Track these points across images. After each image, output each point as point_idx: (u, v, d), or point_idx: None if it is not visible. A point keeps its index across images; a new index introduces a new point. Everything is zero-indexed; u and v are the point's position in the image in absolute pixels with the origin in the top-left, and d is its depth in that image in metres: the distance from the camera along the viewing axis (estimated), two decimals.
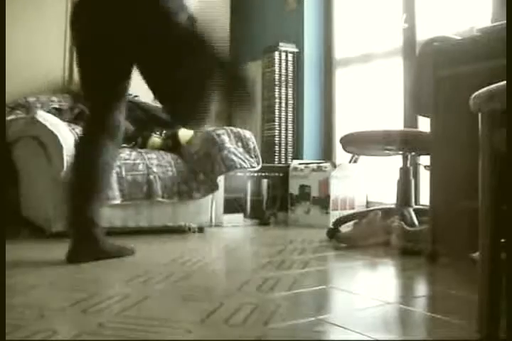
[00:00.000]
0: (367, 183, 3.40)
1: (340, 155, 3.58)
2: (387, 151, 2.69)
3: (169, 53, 1.87)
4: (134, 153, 2.81)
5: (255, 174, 3.39)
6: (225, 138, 2.99)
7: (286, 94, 3.79)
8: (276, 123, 3.75)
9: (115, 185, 2.63)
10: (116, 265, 1.95)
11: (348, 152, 2.89)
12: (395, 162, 2.76)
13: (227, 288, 1.59)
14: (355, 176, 3.34)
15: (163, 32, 1.85)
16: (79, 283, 1.64)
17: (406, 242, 2.26)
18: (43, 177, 2.64)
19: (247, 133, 3.10)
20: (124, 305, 1.35)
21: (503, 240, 1.08)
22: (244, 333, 1.15)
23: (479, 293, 1.08)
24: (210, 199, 2.99)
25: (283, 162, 3.72)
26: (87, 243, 1.96)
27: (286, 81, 3.80)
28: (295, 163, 3.56)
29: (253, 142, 3.08)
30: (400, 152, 2.63)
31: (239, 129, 3.11)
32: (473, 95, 1.11)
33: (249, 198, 3.46)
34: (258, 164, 3.05)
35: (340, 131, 3.64)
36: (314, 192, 3.32)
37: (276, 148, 3.75)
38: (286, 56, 3.80)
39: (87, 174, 2.00)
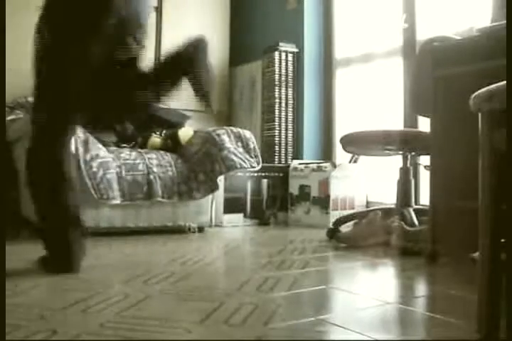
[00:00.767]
0: (367, 183, 3.40)
1: (340, 155, 3.57)
2: (387, 151, 2.69)
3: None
4: (134, 153, 2.81)
5: (255, 174, 3.39)
6: (225, 138, 2.99)
7: (286, 94, 3.79)
8: (276, 123, 3.75)
9: (115, 185, 2.63)
10: (117, 265, 1.95)
11: (348, 152, 2.89)
12: (395, 162, 2.76)
13: (227, 288, 1.59)
14: (355, 176, 3.34)
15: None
16: (79, 283, 1.64)
17: (406, 242, 2.26)
18: None
19: (247, 133, 3.10)
20: (124, 305, 1.35)
21: (503, 240, 1.08)
22: (244, 333, 1.15)
23: (479, 293, 1.08)
24: (210, 199, 2.99)
25: (283, 162, 3.72)
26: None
27: (286, 81, 3.80)
28: (295, 163, 3.56)
29: (253, 142, 3.08)
30: (400, 152, 2.63)
31: (239, 129, 3.12)
32: (473, 95, 1.11)
33: (249, 198, 3.46)
34: (258, 164, 3.05)
35: (340, 131, 3.64)
36: (314, 192, 3.32)
37: (276, 148, 3.75)
38: (286, 56, 3.80)
39: None
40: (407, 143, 2.50)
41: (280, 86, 3.77)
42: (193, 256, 2.14)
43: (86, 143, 2.62)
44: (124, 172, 2.68)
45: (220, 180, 3.03)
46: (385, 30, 3.45)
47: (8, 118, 3.03)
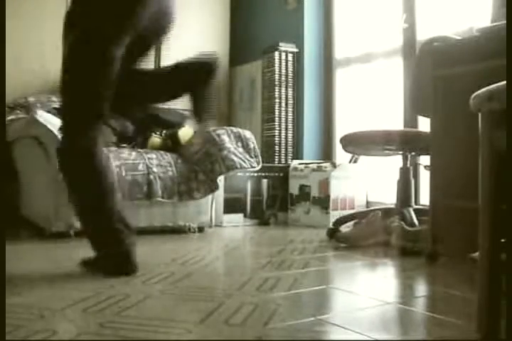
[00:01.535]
0: (367, 183, 3.40)
1: (340, 155, 3.57)
2: (387, 151, 2.69)
3: None
4: (134, 153, 2.81)
5: (255, 174, 3.39)
6: (225, 138, 2.99)
7: (286, 94, 3.79)
8: (276, 123, 3.75)
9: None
10: None
11: (348, 152, 2.89)
12: (395, 162, 2.76)
13: (227, 288, 1.59)
14: (355, 176, 3.34)
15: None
16: (79, 282, 1.64)
17: (406, 242, 2.26)
18: (43, 177, 2.64)
19: (247, 133, 3.10)
20: (124, 305, 1.35)
21: (503, 240, 1.08)
22: (244, 333, 1.15)
23: (479, 293, 1.08)
24: (210, 199, 2.99)
25: (283, 162, 3.72)
26: None
27: (286, 81, 3.80)
28: (295, 163, 3.56)
29: (253, 142, 3.08)
30: (400, 152, 2.63)
31: (239, 129, 3.12)
32: (473, 95, 1.11)
33: (249, 198, 3.46)
34: (258, 164, 3.05)
35: (340, 131, 3.64)
36: (314, 192, 3.32)
37: (276, 148, 3.75)
38: (286, 56, 3.80)
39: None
40: (407, 143, 2.50)
41: (280, 86, 3.77)
42: (193, 256, 2.14)
43: None
44: (124, 172, 2.68)
45: (220, 180, 3.03)
46: (385, 30, 3.45)
47: (8, 118, 3.03)
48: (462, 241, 1.86)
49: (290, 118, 3.80)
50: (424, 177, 2.81)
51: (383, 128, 2.67)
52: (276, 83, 3.76)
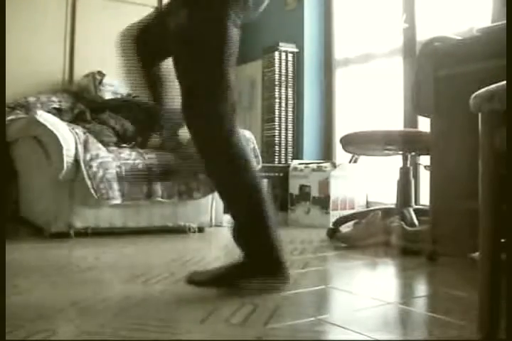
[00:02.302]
0: (367, 183, 3.40)
1: (340, 155, 3.57)
2: (387, 151, 2.69)
3: None
4: (134, 153, 2.81)
5: None
6: None
7: (286, 94, 3.79)
8: (276, 123, 3.75)
9: (115, 185, 2.63)
10: (117, 265, 1.95)
11: (348, 152, 2.89)
12: (395, 162, 2.76)
13: (227, 288, 1.58)
14: (355, 176, 3.34)
15: None
16: (79, 283, 1.64)
17: (406, 242, 2.26)
18: (43, 177, 2.64)
19: (247, 133, 3.10)
20: (124, 305, 1.35)
21: (503, 240, 1.08)
22: (244, 333, 1.15)
23: (479, 293, 1.08)
24: (210, 199, 2.98)
25: (283, 162, 3.72)
26: None
27: (286, 81, 3.80)
28: (295, 163, 3.56)
29: (253, 142, 3.08)
30: (400, 152, 2.63)
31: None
32: (473, 95, 1.11)
33: None
34: (258, 164, 3.05)
35: (340, 131, 3.64)
36: (314, 192, 3.32)
37: (276, 148, 3.75)
38: (286, 56, 3.80)
39: None
40: (407, 143, 2.50)
41: (280, 86, 3.78)
42: (193, 256, 2.14)
43: (86, 143, 2.62)
44: (124, 173, 2.68)
45: None
46: (385, 30, 3.45)
47: (8, 118, 3.03)
48: (462, 241, 1.86)
49: (290, 118, 3.80)
50: (424, 177, 2.81)
51: (383, 129, 2.67)
52: (276, 83, 3.76)
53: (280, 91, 3.77)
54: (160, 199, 2.76)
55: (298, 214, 3.40)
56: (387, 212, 2.54)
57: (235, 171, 1.65)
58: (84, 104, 3.29)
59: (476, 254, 1.13)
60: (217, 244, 2.71)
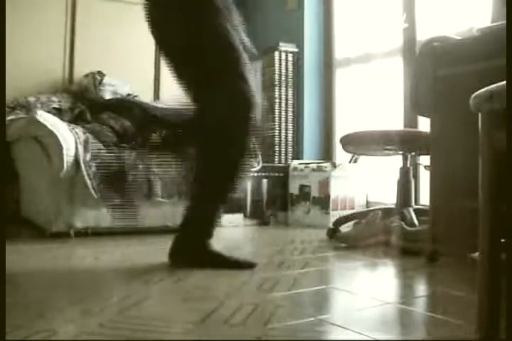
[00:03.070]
0: (367, 183, 3.40)
1: (340, 155, 3.57)
2: (387, 151, 2.69)
3: None
4: (134, 153, 2.81)
5: (255, 174, 3.39)
6: None
7: (286, 94, 3.79)
8: (276, 123, 3.75)
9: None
10: (116, 265, 1.95)
11: (348, 152, 2.89)
12: (395, 162, 2.76)
13: (228, 288, 1.59)
14: (355, 176, 3.34)
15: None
16: (79, 283, 1.64)
17: (406, 242, 2.26)
18: (43, 177, 2.64)
19: None
20: (124, 305, 1.35)
21: (503, 240, 1.08)
22: (244, 333, 1.15)
23: (479, 293, 1.08)
24: None
25: (283, 162, 3.72)
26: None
27: (286, 81, 3.80)
28: (295, 163, 3.56)
29: (253, 142, 3.07)
30: (400, 152, 2.63)
31: None
32: (473, 95, 1.11)
33: (249, 198, 3.46)
34: (258, 164, 3.05)
35: (340, 131, 3.64)
36: (314, 192, 3.32)
37: (276, 148, 3.75)
38: (286, 56, 3.80)
39: None
40: (407, 143, 2.50)
41: (280, 86, 3.77)
42: None
43: (86, 143, 2.62)
44: (123, 173, 2.67)
45: None
46: (385, 30, 3.45)
47: (8, 118, 3.02)
48: (462, 241, 1.86)
49: (290, 118, 3.80)
50: (424, 177, 2.81)
51: (383, 128, 2.67)
52: (276, 83, 3.76)
53: (280, 91, 3.77)
54: (160, 199, 2.76)
55: (298, 214, 3.40)
56: (387, 212, 2.54)
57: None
58: (84, 104, 3.30)
59: (476, 254, 1.13)
60: (217, 244, 2.71)
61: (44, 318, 1.23)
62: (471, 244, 1.23)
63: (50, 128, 2.55)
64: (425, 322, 1.29)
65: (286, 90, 3.79)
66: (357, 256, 2.20)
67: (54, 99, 3.28)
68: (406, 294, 1.66)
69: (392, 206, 2.66)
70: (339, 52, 3.84)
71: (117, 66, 3.56)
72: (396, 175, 2.65)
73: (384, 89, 3.45)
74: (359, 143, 2.66)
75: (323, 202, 3.26)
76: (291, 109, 3.80)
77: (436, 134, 2.03)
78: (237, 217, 3.31)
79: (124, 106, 3.28)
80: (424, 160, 2.66)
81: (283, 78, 3.78)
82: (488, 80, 1.15)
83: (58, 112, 3.15)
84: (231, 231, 3.06)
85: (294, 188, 3.44)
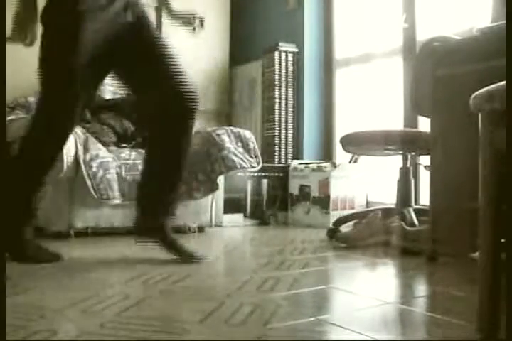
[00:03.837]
0: (367, 183, 3.40)
1: (340, 155, 3.57)
2: (387, 151, 2.69)
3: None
4: (134, 153, 2.81)
5: (255, 174, 3.39)
6: (225, 138, 2.98)
7: (286, 94, 3.79)
8: (276, 123, 3.75)
9: (115, 185, 2.63)
10: (117, 265, 1.95)
11: (348, 152, 2.89)
12: (395, 162, 2.76)
13: (227, 288, 1.59)
14: (355, 176, 3.34)
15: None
16: (79, 282, 1.64)
17: (406, 242, 2.26)
18: None
19: (247, 133, 3.10)
20: (124, 305, 1.35)
21: (503, 240, 1.08)
22: (244, 333, 1.15)
23: (479, 292, 1.08)
24: (210, 199, 2.99)
25: (283, 162, 3.72)
26: None
27: (286, 81, 3.80)
28: (295, 163, 3.56)
29: (253, 142, 3.08)
30: (400, 152, 2.63)
31: (239, 129, 3.11)
32: (473, 95, 1.11)
33: (249, 198, 3.46)
34: (258, 164, 3.05)
35: (340, 131, 3.64)
36: (314, 192, 3.32)
37: (276, 148, 3.75)
38: (286, 56, 3.80)
39: None
40: (407, 143, 2.50)
41: (280, 86, 3.78)
42: None
43: (86, 143, 2.62)
44: (124, 172, 2.68)
45: (220, 180, 3.03)
46: (385, 30, 3.45)
47: (8, 118, 3.02)
48: (462, 241, 1.86)
49: (290, 118, 3.80)
50: (424, 177, 2.81)
51: (383, 128, 2.67)
52: (276, 83, 3.76)
53: (280, 91, 3.77)
54: None
55: (298, 214, 3.40)
56: (387, 212, 2.53)
57: None
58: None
59: (476, 254, 1.14)
60: (217, 244, 2.71)
61: (44, 318, 1.23)
62: (471, 244, 1.24)
63: None
64: (425, 322, 1.29)
65: (286, 90, 3.79)
66: (357, 256, 2.20)
67: None
68: (406, 294, 1.66)
69: (392, 206, 2.66)
70: (339, 52, 3.84)
71: None
72: (396, 175, 2.65)
73: (384, 89, 3.45)
74: (359, 143, 2.66)
75: (323, 202, 3.26)
76: (291, 109, 3.80)
77: (436, 134, 2.03)
78: (237, 217, 3.31)
79: (124, 106, 3.28)
80: (424, 160, 2.66)
81: (283, 78, 3.78)
82: (488, 80, 1.15)
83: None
84: (231, 231, 3.07)
85: (294, 188, 3.44)
